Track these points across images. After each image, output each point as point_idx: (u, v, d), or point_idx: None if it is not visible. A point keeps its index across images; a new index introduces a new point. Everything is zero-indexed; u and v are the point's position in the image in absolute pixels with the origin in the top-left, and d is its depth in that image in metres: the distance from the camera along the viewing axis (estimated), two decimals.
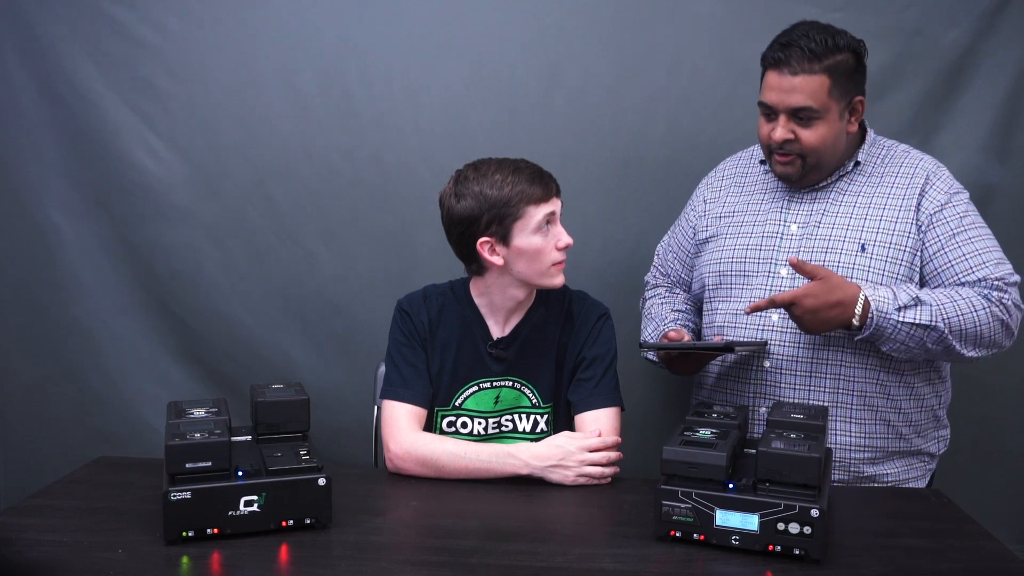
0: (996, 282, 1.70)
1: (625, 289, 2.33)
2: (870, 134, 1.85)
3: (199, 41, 2.31)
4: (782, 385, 1.79)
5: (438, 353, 1.74)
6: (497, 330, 1.76)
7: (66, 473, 1.64)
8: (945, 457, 1.92)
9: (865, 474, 1.78)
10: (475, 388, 1.75)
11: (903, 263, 1.74)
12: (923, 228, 1.74)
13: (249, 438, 1.51)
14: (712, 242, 1.92)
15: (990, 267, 1.70)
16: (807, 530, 1.26)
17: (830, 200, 1.81)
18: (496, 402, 1.75)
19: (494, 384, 1.75)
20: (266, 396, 1.49)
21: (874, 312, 1.64)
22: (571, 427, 1.75)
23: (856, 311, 1.64)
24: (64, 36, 2.28)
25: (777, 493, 1.29)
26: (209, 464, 1.31)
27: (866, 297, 1.64)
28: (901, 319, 1.64)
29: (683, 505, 1.32)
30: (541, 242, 1.66)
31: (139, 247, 2.37)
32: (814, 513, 1.26)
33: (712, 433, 1.40)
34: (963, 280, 1.71)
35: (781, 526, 1.28)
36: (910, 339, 1.66)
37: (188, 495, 1.30)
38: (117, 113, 2.31)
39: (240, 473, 1.35)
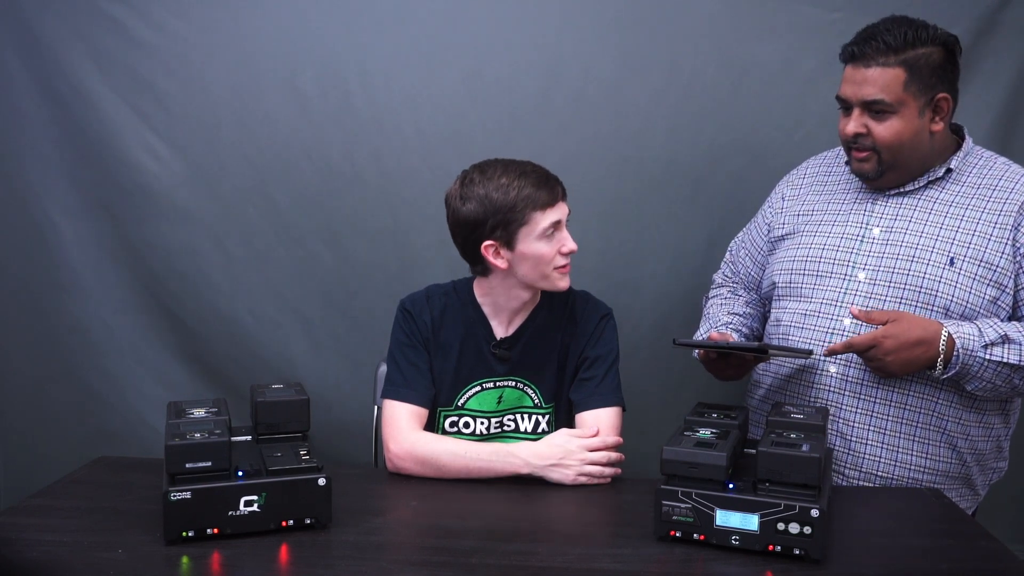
0: None
1: (625, 289, 2.33)
2: (968, 142, 1.76)
3: (199, 41, 2.31)
4: (846, 393, 1.71)
5: (441, 353, 1.74)
6: (500, 330, 1.76)
7: (66, 473, 1.64)
8: None
9: None
10: (478, 388, 1.75)
11: (992, 283, 1.64)
12: (1022, 251, 1.65)
13: (249, 438, 1.51)
14: (788, 240, 1.85)
15: None
16: (807, 530, 1.26)
17: (918, 206, 1.72)
18: (499, 402, 1.75)
19: (497, 384, 1.75)
20: (266, 396, 1.49)
21: (959, 350, 1.57)
22: (572, 427, 1.74)
23: (940, 348, 1.57)
24: (64, 36, 2.28)
25: (777, 493, 1.28)
26: (209, 464, 1.31)
27: (949, 333, 1.58)
28: (988, 357, 1.57)
29: (683, 505, 1.32)
30: (546, 247, 1.65)
31: (139, 247, 2.37)
32: (814, 513, 1.26)
33: (712, 433, 1.40)
34: None
35: (781, 526, 1.27)
36: (997, 377, 1.59)
37: (188, 495, 1.30)
38: (117, 113, 2.31)
39: (240, 473, 1.35)
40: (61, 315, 2.39)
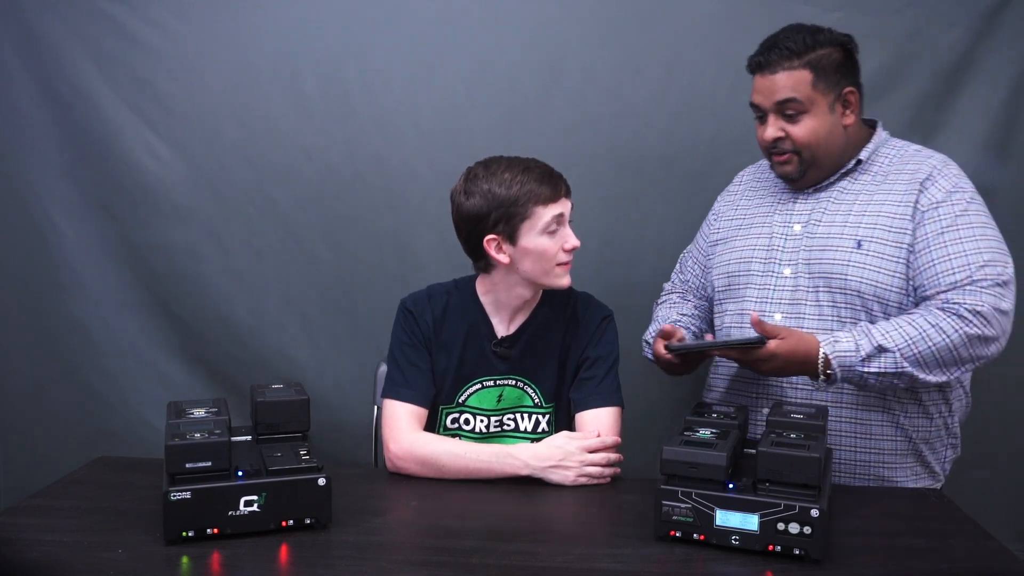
0: (970, 288, 1.60)
1: (624, 289, 2.33)
2: (880, 134, 1.82)
3: (199, 41, 2.31)
4: (784, 386, 1.77)
5: (443, 351, 1.74)
6: (502, 328, 1.76)
7: (66, 473, 1.64)
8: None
9: (881, 476, 1.75)
10: (478, 386, 1.75)
11: (900, 260, 1.69)
12: (917, 224, 1.69)
13: (249, 438, 1.51)
14: (721, 244, 1.93)
15: (972, 269, 1.61)
16: (807, 530, 1.26)
17: (831, 199, 1.79)
18: (499, 400, 1.76)
19: (497, 383, 1.75)
20: (266, 396, 1.49)
21: (836, 368, 1.60)
22: (572, 428, 1.74)
23: (818, 369, 1.61)
24: (64, 36, 2.28)
25: (777, 493, 1.28)
26: (209, 464, 1.31)
27: (826, 354, 1.60)
28: (866, 370, 1.61)
29: (683, 505, 1.32)
30: (548, 243, 1.66)
31: (139, 247, 2.37)
32: (814, 513, 1.26)
33: (712, 433, 1.40)
34: (940, 282, 1.64)
35: (781, 526, 1.27)
36: (880, 383, 1.63)
37: (188, 495, 1.30)
38: (117, 113, 2.31)
39: (240, 473, 1.35)
40: (61, 315, 2.39)
